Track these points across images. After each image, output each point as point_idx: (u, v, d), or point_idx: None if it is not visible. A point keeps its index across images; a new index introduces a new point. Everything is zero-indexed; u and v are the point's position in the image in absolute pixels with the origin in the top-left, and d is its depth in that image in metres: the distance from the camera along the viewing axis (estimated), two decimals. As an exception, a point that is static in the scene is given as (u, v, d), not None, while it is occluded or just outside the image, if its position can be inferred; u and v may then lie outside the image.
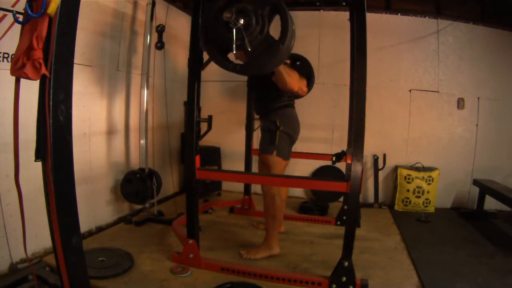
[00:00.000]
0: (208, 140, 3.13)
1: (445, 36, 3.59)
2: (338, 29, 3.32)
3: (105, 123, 2.72)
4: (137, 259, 2.12)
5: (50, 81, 0.98)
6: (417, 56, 3.64)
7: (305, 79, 2.39)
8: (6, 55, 1.85)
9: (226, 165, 3.90)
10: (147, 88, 2.85)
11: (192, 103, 2.03)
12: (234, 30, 1.56)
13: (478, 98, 3.61)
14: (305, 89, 2.39)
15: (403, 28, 3.63)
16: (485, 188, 3.24)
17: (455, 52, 3.60)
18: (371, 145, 3.54)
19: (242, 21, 1.56)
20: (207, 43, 1.76)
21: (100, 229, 2.62)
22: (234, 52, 1.62)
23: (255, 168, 3.42)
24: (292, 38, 1.71)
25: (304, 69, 2.68)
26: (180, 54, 3.57)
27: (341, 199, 3.39)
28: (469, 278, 2.07)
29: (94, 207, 2.61)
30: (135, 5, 2.92)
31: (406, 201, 3.53)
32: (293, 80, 2.17)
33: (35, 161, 1.06)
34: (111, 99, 2.77)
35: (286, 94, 2.35)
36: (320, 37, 3.72)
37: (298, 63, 2.78)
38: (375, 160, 3.68)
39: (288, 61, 2.42)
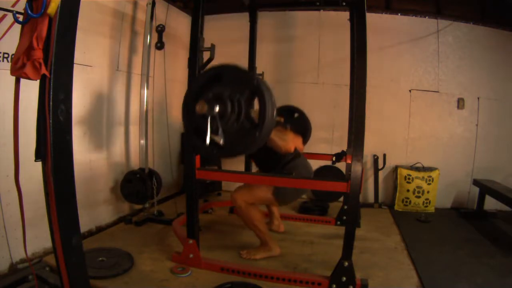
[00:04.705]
0: (208, 140, 3.12)
1: (445, 36, 3.59)
2: (338, 29, 3.32)
3: (105, 123, 2.72)
4: (137, 259, 2.11)
5: (50, 81, 0.98)
6: (417, 56, 3.64)
7: (301, 136, 2.41)
8: (6, 55, 1.85)
9: (226, 165, 3.90)
10: (147, 88, 2.85)
11: (192, 104, 2.02)
12: (209, 119, 1.49)
13: (478, 98, 3.62)
14: (302, 146, 2.41)
15: (403, 28, 3.63)
16: (485, 188, 3.24)
17: (455, 52, 3.60)
18: (371, 145, 3.54)
19: (217, 109, 1.48)
20: (187, 121, 1.67)
21: (100, 229, 2.62)
22: (208, 143, 1.53)
23: (254, 168, 3.43)
24: (271, 123, 1.58)
25: (301, 121, 2.67)
26: (180, 54, 3.57)
27: (341, 199, 3.39)
28: (469, 278, 2.07)
29: (94, 207, 2.61)
30: (135, 5, 2.92)
31: (406, 201, 3.53)
32: (287, 143, 2.18)
33: (35, 161, 1.05)
34: (111, 99, 2.77)
35: None
36: (320, 37, 3.72)
37: (296, 115, 2.78)
38: (375, 160, 3.68)
39: (282, 119, 2.42)
